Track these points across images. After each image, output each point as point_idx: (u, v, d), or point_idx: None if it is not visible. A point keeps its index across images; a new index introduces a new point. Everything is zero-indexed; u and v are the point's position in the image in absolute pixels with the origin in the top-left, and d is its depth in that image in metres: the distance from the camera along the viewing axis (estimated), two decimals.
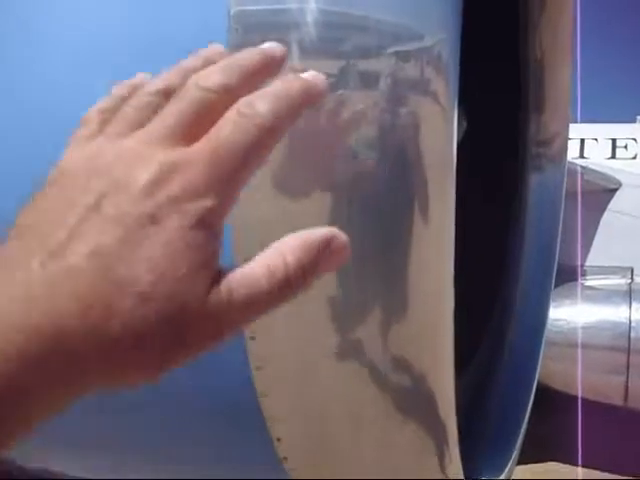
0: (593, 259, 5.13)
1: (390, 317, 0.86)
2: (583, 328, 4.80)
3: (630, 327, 4.86)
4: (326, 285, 0.85)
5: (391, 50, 0.70)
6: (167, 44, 0.84)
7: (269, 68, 0.44)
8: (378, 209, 0.82)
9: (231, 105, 0.42)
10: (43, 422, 0.38)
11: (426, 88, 0.75)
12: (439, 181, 0.81)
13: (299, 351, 0.91)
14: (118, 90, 0.46)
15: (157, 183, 0.39)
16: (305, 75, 0.43)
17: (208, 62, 0.45)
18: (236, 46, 0.73)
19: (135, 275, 0.38)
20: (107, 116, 0.44)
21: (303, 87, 0.43)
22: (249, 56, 0.44)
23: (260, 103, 0.41)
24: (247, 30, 0.80)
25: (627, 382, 4.93)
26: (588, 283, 5.10)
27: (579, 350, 4.73)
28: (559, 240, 1.81)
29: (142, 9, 0.89)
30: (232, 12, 0.80)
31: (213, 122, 0.41)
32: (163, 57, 0.78)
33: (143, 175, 0.39)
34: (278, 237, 0.46)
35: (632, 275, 5.17)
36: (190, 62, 0.46)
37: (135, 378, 0.40)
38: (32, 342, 0.36)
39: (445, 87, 0.76)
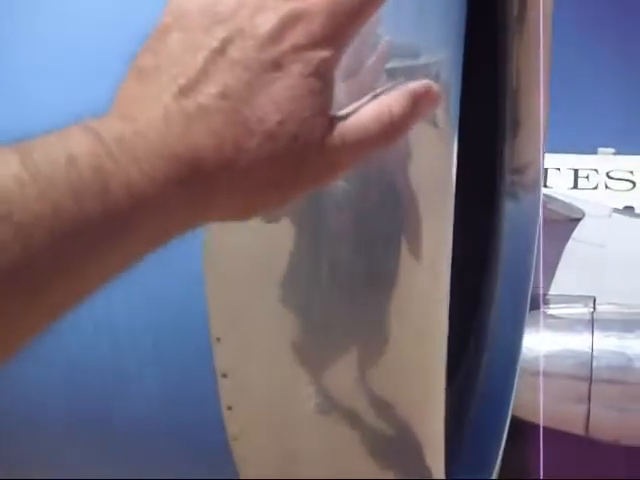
0: (556, 288, 5.16)
1: (371, 358, 0.81)
2: (545, 356, 4.80)
3: (592, 356, 4.89)
4: (297, 322, 0.80)
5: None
6: None
7: None
8: (365, 238, 0.77)
9: None
10: (174, 238, 0.42)
11: None
12: (435, 211, 0.75)
13: (271, 391, 0.85)
14: None
15: (281, 31, 0.42)
16: None
17: None
18: None
19: (262, 116, 0.41)
20: None
21: None
22: None
23: None
24: None
25: (588, 411, 4.95)
26: (551, 312, 5.13)
27: (541, 378, 4.74)
28: (533, 271, 1.79)
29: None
30: None
31: None
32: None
33: (267, 23, 0.42)
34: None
35: (594, 304, 5.21)
36: None
37: (256, 209, 0.44)
38: (173, 168, 0.40)
39: (444, 109, 0.71)
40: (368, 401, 0.81)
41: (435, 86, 0.48)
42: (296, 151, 0.43)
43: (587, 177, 7.06)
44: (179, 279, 0.81)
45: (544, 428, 4.83)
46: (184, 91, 0.41)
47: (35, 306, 0.37)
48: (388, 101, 0.46)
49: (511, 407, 1.55)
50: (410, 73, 0.69)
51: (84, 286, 0.40)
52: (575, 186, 6.99)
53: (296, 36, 0.43)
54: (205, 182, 0.41)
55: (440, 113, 0.71)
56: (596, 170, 7.07)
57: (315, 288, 0.80)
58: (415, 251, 0.76)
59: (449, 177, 0.74)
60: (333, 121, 0.44)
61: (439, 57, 0.70)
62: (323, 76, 0.43)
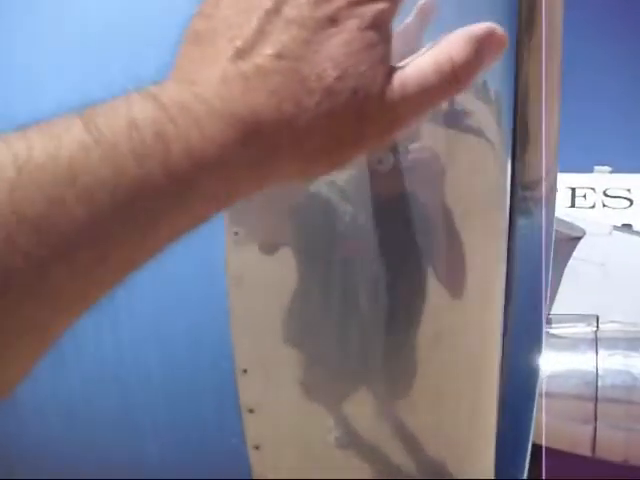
0: (558, 307, 5.12)
1: (404, 392, 0.73)
2: (549, 377, 4.75)
3: (597, 375, 4.84)
4: (325, 353, 0.73)
5: None
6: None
7: None
8: (397, 272, 0.69)
9: None
10: (241, 199, 0.42)
11: (470, 122, 0.63)
12: (487, 237, 0.66)
13: (298, 427, 0.77)
14: None
15: None
16: None
17: None
18: None
19: (320, 73, 0.41)
20: None
21: None
22: None
23: None
24: None
25: (595, 432, 4.89)
26: (554, 331, 5.08)
27: (544, 399, 4.68)
28: (549, 287, 1.75)
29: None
30: None
31: None
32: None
33: None
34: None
35: (597, 323, 5.17)
36: None
37: (318, 169, 0.44)
38: (234, 129, 0.40)
39: (495, 122, 0.63)
40: (403, 447, 0.73)
41: (500, 29, 0.45)
42: (356, 106, 0.42)
43: (584, 196, 7.07)
44: (202, 306, 0.74)
45: (552, 449, 4.76)
46: (241, 53, 0.41)
47: (105, 263, 0.38)
48: (448, 49, 0.44)
49: (533, 430, 1.51)
50: None
51: (154, 244, 0.40)
52: (572, 205, 7.00)
53: None
54: (266, 142, 0.41)
55: (491, 126, 0.62)
56: (593, 189, 7.08)
57: (339, 321, 0.73)
58: (457, 281, 0.67)
59: (503, 198, 0.65)
60: (392, 74, 0.43)
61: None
62: (379, 28, 0.43)
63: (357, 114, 0.42)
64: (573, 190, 7.06)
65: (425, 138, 0.71)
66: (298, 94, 0.41)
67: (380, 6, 0.43)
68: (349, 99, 0.41)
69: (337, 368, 0.74)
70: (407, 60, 0.44)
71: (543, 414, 4.48)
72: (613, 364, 4.87)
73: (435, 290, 0.68)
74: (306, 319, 0.73)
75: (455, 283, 0.66)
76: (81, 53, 0.81)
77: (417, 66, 0.44)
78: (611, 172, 7.52)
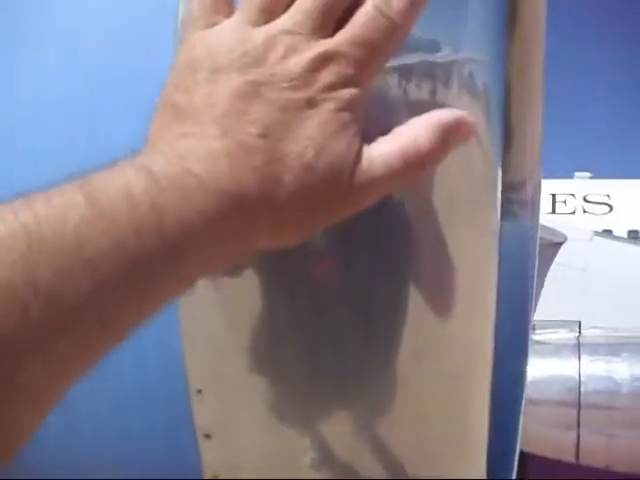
0: (540, 313, 5.12)
1: (379, 410, 0.67)
2: (532, 383, 4.72)
3: (580, 381, 4.84)
4: (291, 370, 0.65)
5: (396, 64, 0.54)
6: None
7: None
8: (365, 288, 0.62)
9: None
10: (217, 269, 0.48)
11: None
12: (472, 248, 0.59)
13: (263, 451, 0.69)
14: None
15: (312, 73, 0.45)
16: None
17: None
18: None
19: (300, 150, 0.44)
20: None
21: None
22: None
23: (395, 1, 0.46)
24: None
25: (578, 438, 4.88)
26: (536, 337, 5.07)
27: (528, 406, 4.65)
28: (534, 292, 1.72)
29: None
30: None
31: (348, 9, 0.47)
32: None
33: (299, 65, 0.45)
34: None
35: (580, 329, 5.17)
36: None
37: (294, 237, 0.47)
38: (220, 203, 0.42)
39: (485, 121, 0.57)
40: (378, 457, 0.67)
41: (469, 117, 0.48)
42: (330, 182, 0.45)
43: (565, 202, 7.09)
44: (153, 325, 0.66)
45: (534, 456, 4.75)
46: (225, 132, 0.44)
47: (105, 332, 0.40)
48: (414, 134, 0.47)
49: (520, 438, 1.47)
50: (442, 71, 0.57)
51: (145, 310, 0.42)
52: (553, 211, 7.03)
53: (326, 77, 0.45)
54: (248, 215, 0.44)
55: (479, 122, 0.56)
56: (573, 195, 7.11)
57: (309, 336, 0.65)
58: (444, 298, 0.61)
59: (493, 198, 0.59)
60: (362, 155, 0.46)
61: (477, 54, 0.58)
62: (352, 111, 0.46)
63: (331, 190, 0.45)
64: (553, 196, 7.08)
65: None
66: (279, 171, 0.44)
67: (352, 91, 0.46)
68: (324, 175, 0.45)
69: (308, 387, 0.67)
70: (377, 142, 0.46)
71: (527, 420, 4.45)
72: (595, 370, 4.87)
73: (419, 302, 0.62)
74: (272, 333, 0.66)
75: (442, 300, 0.61)
76: (80, 54, 0.77)
77: (384, 150, 0.46)
78: (591, 178, 7.56)
